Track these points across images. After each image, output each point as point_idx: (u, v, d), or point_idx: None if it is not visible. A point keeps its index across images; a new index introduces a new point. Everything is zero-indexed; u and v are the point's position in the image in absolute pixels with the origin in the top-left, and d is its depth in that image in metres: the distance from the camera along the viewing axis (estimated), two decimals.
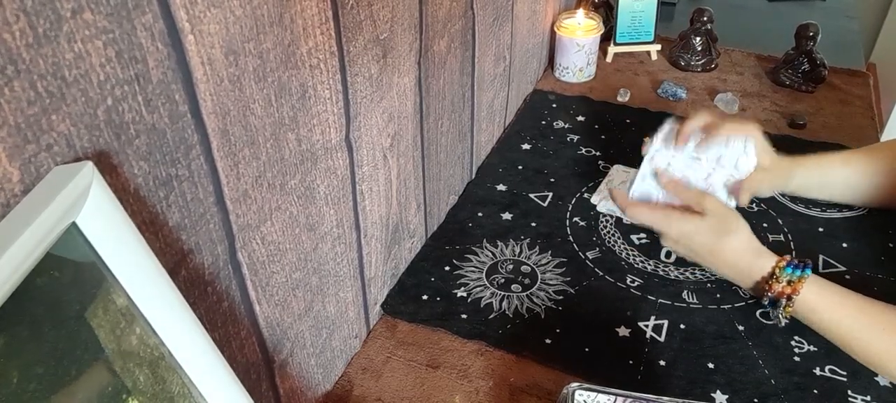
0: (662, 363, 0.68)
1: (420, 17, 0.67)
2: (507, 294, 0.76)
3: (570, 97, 1.12)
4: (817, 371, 0.67)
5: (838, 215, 0.86)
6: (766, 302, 0.68)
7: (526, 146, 1.00)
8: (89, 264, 0.33)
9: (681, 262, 0.80)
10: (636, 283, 0.77)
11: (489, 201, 0.90)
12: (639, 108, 1.09)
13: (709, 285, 0.77)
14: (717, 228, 0.68)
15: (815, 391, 0.65)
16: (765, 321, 0.72)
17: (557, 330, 0.72)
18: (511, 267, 0.79)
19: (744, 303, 0.74)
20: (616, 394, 0.54)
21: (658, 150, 0.74)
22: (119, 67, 0.34)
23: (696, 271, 0.79)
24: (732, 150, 0.73)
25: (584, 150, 0.99)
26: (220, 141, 0.43)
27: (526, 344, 0.70)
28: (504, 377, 0.68)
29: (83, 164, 0.32)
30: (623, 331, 0.72)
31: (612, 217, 0.87)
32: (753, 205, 0.88)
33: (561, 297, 0.75)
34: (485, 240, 0.83)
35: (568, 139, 1.02)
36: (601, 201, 0.89)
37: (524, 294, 0.76)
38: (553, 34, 1.17)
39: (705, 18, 1.18)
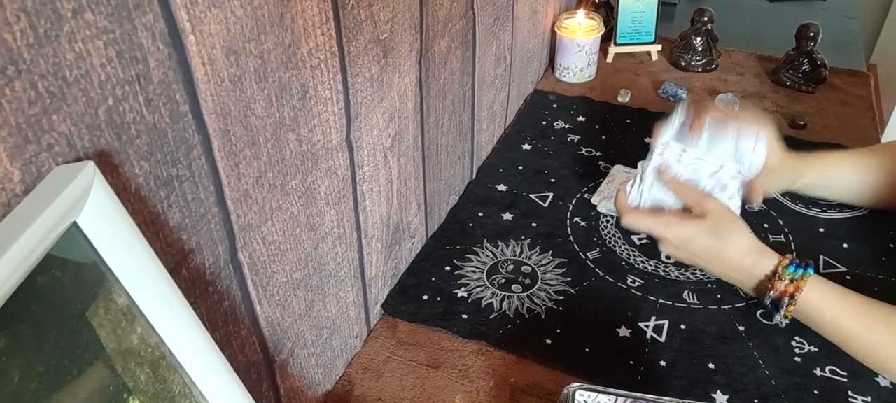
0: (663, 363, 0.68)
1: (421, 18, 0.67)
2: (507, 294, 0.76)
3: (570, 97, 1.12)
4: (818, 372, 0.67)
5: (839, 215, 0.86)
6: (767, 302, 0.68)
7: (526, 146, 1.01)
8: (90, 264, 0.33)
9: (681, 263, 0.80)
10: (637, 284, 0.77)
11: (490, 201, 0.90)
12: (639, 109, 1.09)
13: (709, 285, 0.77)
14: (718, 230, 0.67)
15: (816, 391, 0.65)
16: (765, 321, 0.72)
17: (558, 331, 0.72)
18: (512, 267, 0.79)
19: (744, 304, 0.74)
20: (616, 394, 0.54)
21: (667, 144, 0.72)
22: (120, 67, 0.34)
23: (696, 271, 0.79)
24: (743, 146, 0.71)
25: (584, 151, 1.00)
26: (220, 141, 0.43)
27: (526, 344, 0.70)
28: (505, 377, 0.68)
29: (84, 164, 0.32)
30: (624, 331, 0.72)
31: (612, 217, 0.87)
32: (749, 205, 0.88)
33: (561, 297, 0.75)
34: (485, 240, 0.83)
35: (568, 139, 1.02)
36: (602, 201, 0.89)
37: (525, 294, 0.76)
38: (554, 34, 1.17)
39: (706, 19, 1.18)
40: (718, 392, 0.65)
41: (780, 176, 0.76)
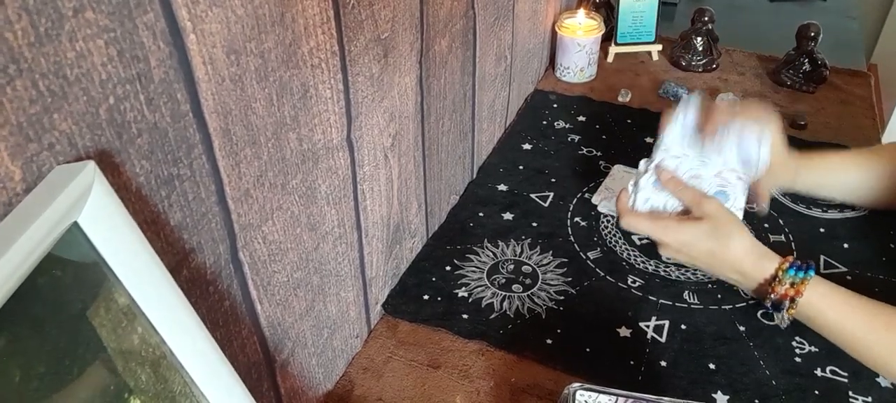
0: (663, 363, 0.68)
1: (421, 17, 0.67)
2: (508, 294, 0.76)
3: (571, 97, 1.12)
4: (818, 372, 0.67)
5: (839, 215, 0.86)
6: (768, 305, 0.68)
7: (527, 146, 1.00)
8: (91, 263, 0.33)
9: (681, 265, 0.79)
10: (637, 284, 0.77)
11: (490, 201, 0.90)
12: (640, 108, 1.09)
13: (710, 286, 0.77)
14: (717, 232, 0.67)
15: (816, 391, 0.65)
16: (766, 321, 0.72)
17: (558, 331, 0.72)
18: (512, 267, 0.79)
19: (745, 304, 0.74)
20: (617, 394, 0.54)
21: (669, 147, 0.72)
22: (121, 66, 0.34)
23: (696, 272, 0.79)
24: (746, 144, 0.70)
25: (585, 150, 0.99)
26: (221, 140, 0.43)
27: (527, 344, 0.70)
28: (505, 377, 0.68)
29: (85, 164, 0.32)
30: (624, 332, 0.72)
31: (613, 217, 0.87)
32: (753, 205, 0.88)
33: (562, 297, 0.75)
34: (486, 240, 0.83)
35: (569, 139, 1.02)
36: (602, 201, 0.89)
37: (525, 294, 0.76)
38: (554, 34, 1.17)
39: (706, 18, 1.18)
40: (719, 392, 0.65)
41: (780, 174, 0.76)
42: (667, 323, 0.72)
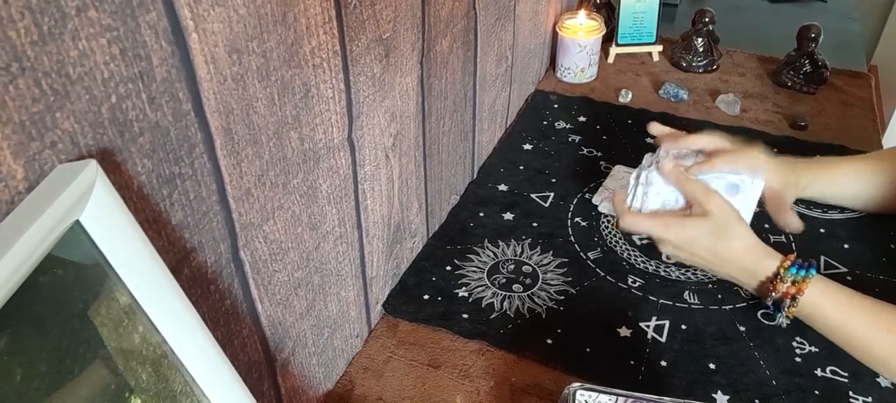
0: (664, 363, 0.68)
1: (422, 17, 0.67)
2: (508, 294, 0.76)
3: (571, 98, 1.12)
4: (819, 372, 0.67)
5: (839, 216, 0.86)
6: (769, 303, 0.68)
7: (527, 146, 1.00)
8: (92, 262, 0.33)
9: (682, 264, 0.80)
10: (637, 284, 0.77)
11: (491, 201, 0.90)
12: (640, 109, 1.09)
13: (710, 286, 0.77)
14: (719, 230, 0.67)
15: (817, 392, 0.65)
16: (766, 321, 0.72)
17: (559, 330, 0.72)
18: (512, 267, 0.79)
19: (745, 304, 0.74)
20: (617, 394, 0.54)
21: (650, 171, 0.71)
22: (123, 65, 0.34)
23: (696, 272, 0.79)
24: (740, 181, 0.71)
25: (585, 151, 0.99)
26: (223, 139, 0.43)
27: (527, 344, 0.70)
28: (505, 377, 0.68)
29: (87, 163, 0.32)
30: (624, 332, 0.72)
31: (613, 217, 0.87)
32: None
33: (562, 297, 0.75)
34: (486, 240, 0.83)
35: (569, 139, 1.02)
36: (603, 202, 0.89)
37: (525, 294, 0.76)
38: (555, 35, 1.17)
39: (707, 19, 1.18)
40: (719, 392, 0.65)
41: (785, 191, 0.76)
42: (667, 322, 0.72)
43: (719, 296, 0.75)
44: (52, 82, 0.31)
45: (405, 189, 0.74)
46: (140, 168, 0.37)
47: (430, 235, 0.84)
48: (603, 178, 0.93)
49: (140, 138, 0.37)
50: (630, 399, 0.54)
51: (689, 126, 1.05)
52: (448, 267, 0.79)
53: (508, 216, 0.87)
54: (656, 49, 1.23)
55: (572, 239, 0.84)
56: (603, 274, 0.79)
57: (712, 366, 0.68)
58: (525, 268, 0.79)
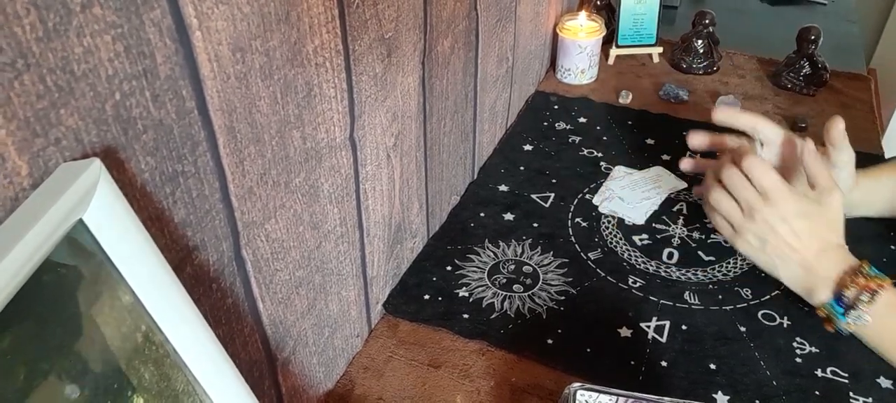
0: (664, 363, 0.68)
1: (424, 18, 0.67)
2: (508, 294, 0.76)
3: (571, 98, 1.13)
4: (819, 373, 0.67)
5: None
6: (836, 301, 0.65)
7: (528, 147, 1.01)
8: (96, 261, 0.33)
9: (683, 263, 0.80)
10: (638, 284, 0.77)
11: (491, 201, 0.90)
12: (640, 110, 1.09)
13: (710, 286, 0.77)
14: (830, 223, 0.65)
15: (817, 392, 0.65)
16: (766, 322, 0.72)
17: (559, 331, 0.72)
18: (513, 267, 0.79)
19: (745, 304, 0.75)
20: (617, 394, 0.54)
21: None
22: (127, 62, 0.34)
23: (697, 272, 0.79)
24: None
25: (585, 151, 1.00)
26: (226, 138, 0.43)
27: (527, 344, 0.70)
28: (505, 377, 0.68)
29: (90, 161, 0.32)
30: (625, 332, 0.72)
31: (613, 218, 0.87)
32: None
33: (563, 298, 0.75)
34: (487, 241, 0.83)
35: (570, 140, 1.02)
36: (603, 202, 0.89)
37: (526, 294, 0.76)
38: (555, 36, 1.18)
39: (707, 21, 1.18)
40: (719, 392, 0.65)
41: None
42: (667, 323, 0.72)
43: (720, 297, 0.75)
44: (56, 79, 0.31)
45: (406, 189, 0.74)
46: (143, 165, 0.37)
47: (431, 235, 0.84)
48: (603, 179, 0.93)
49: (143, 136, 0.37)
50: (630, 400, 0.54)
51: (690, 128, 1.05)
52: (448, 268, 0.79)
53: (509, 216, 0.87)
54: (656, 50, 1.23)
55: (573, 239, 0.84)
56: (603, 274, 0.79)
57: (713, 367, 0.68)
58: (526, 269, 0.79)
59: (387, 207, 0.70)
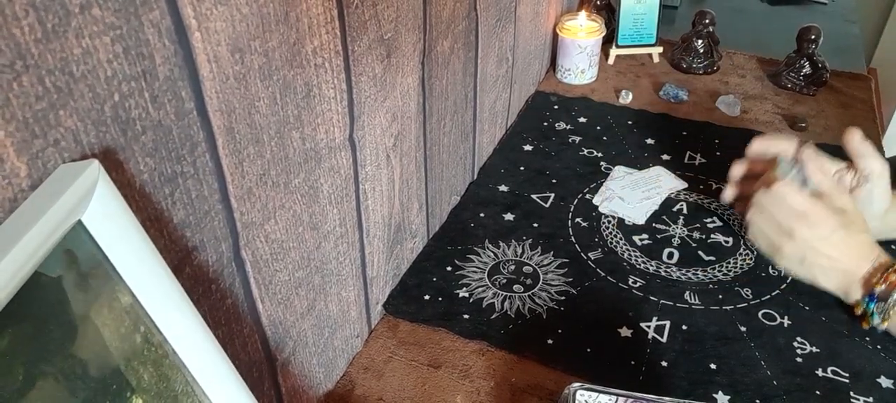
0: (664, 363, 0.68)
1: (424, 18, 0.67)
2: (508, 294, 0.76)
3: (571, 98, 1.13)
4: (820, 372, 0.67)
5: None
6: (867, 300, 0.68)
7: (528, 147, 1.01)
8: (94, 262, 0.33)
9: (684, 263, 0.80)
10: (638, 284, 0.77)
11: (491, 202, 0.90)
12: (640, 110, 1.09)
13: (711, 286, 0.77)
14: (852, 224, 0.69)
15: (817, 392, 0.65)
16: (767, 322, 0.72)
17: (559, 331, 0.72)
18: (513, 267, 0.79)
19: (746, 304, 0.74)
20: (617, 394, 0.54)
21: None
22: (126, 63, 0.34)
23: (697, 272, 0.79)
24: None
25: (585, 151, 1.00)
26: (225, 138, 0.43)
27: (527, 345, 0.70)
28: (505, 377, 0.68)
29: (89, 162, 0.32)
30: (625, 332, 0.72)
31: (614, 218, 0.87)
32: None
33: (563, 298, 0.75)
34: (487, 241, 0.83)
35: (570, 140, 1.02)
36: (603, 202, 0.89)
37: (526, 294, 0.76)
38: (555, 36, 1.18)
39: (707, 21, 1.18)
40: (720, 392, 0.65)
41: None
42: (668, 323, 0.72)
43: (720, 297, 0.75)
44: (55, 80, 0.31)
45: (406, 189, 0.74)
46: (142, 166, 0.37)
47: (431, 236, 0.84)
48: (603, 179, 0.93)
49: (142, 137, 0.37)
50: (630, 400, 0.54)
51: (690, 127, 1.05)
52: (448, 268, 0.79)
53: (509, 216, 0.87)
54: (656, 50, 1.23)
55: (573, 239, 0.84)
56: (603, 274, 0.79)
57: (713, 366, 0.68)
58: (526, 269, 0.79)
59: (386, 208, 0.70)
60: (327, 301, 0.62)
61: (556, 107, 1.11)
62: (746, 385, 0.66)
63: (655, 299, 0.75)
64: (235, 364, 0.41)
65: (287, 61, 0.47)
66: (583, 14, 1.16)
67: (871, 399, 0.64)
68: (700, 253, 0.82)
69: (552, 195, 0.91)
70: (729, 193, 0.83)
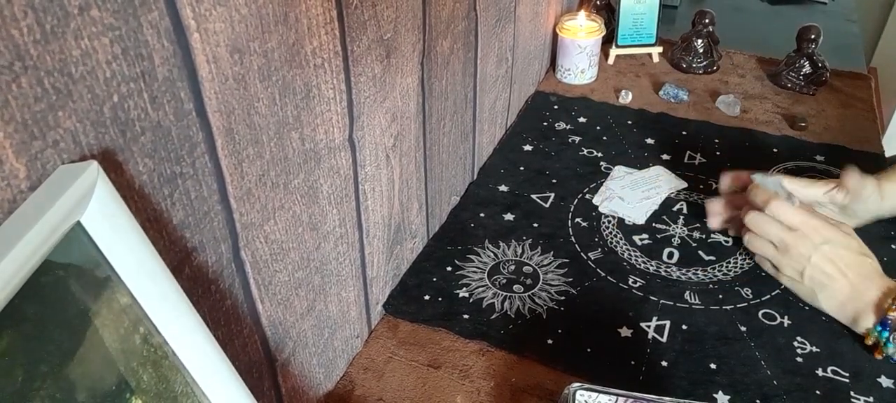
0: (664, 363, 0.68)
1: (423, 18, 0.67)
2: (508, 294, 0.76)
3: (571, 98, 1.13)
4: (820, 372, 0.67)
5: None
6: (878, 328, 0.66)
7: (528, 147, 1.01)
8: (94, 263, 0.33)
9: (684, 263, 0.80)
10: (638, 284, 0.77)
11: (491, 202, 0.90)
12: (640, 110, 1.09)
13: (711, 286, 0.77)
14: (861, 247, 0.70)
15: (817, 391, 0.65)
16: (767, 322, 0.72)
17: (559, 331, 0.72)
18: (513, 267, 0.79)
19: (746, 304, 0.74)
20: (617, 394, 0.54)
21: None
22: (125, 64, 0.34)
23: (697, 272, 0.79)
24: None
25: (585, 151, 1.00)
26: (224, 139, 0.43)
27: (527, 345, 0.70)
28: (506, 377, 0.68)
29: (88, 164, 0.32)
30: (625, 332, 0.72)
31: (614, 218, 0.87)
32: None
33: (563, 298, 0.75)
34: (487, 241, 0.83)
35: (570, 140, 1.02)
36: (603, 202, 0.89)
37: (526, 294, 0.76)
38: (555, 36, 1.17)
39: (707, 21, 1.18)
40: (720, 392, 0.65)
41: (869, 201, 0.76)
42: (668, 323, 0.72)
43: (720, 296, 0.75)
44: (54, 81, 0.31)
45: (406, 189, 0.74)
46: (141, 167, 0.37)
47: (431, 236, 0.84)
48: (603, 179, 0.93)
49: (141, 137, 0.37)
50: (630, 400, 0.54)
51: (690, 127, 1.05)
52: (448, 268, 0.79)
53: (509, 216, 0.87)
54: (656, 50, 1.23)
55: (573, 239, 0.84)
56: (603, 274, 0.79)
57: (713, 366, 0.68)
58: (526, 269, 0.79)
59: (386, 208, 0.70)
60: (327, 301, 0.62)
61: (555, 107, 1.11)
62: (746, 385, 0.66)
63: (655, 299, 0.75)
64: (235, 364, 0.41)
65: (286, 62, 0.47)
66: (582, 14, 1.16)
67: (871, 399, 0.64)
68: (700, 252, 0.82)
69: (552, 195, 0.91)
70: (715, 222, 0.83)
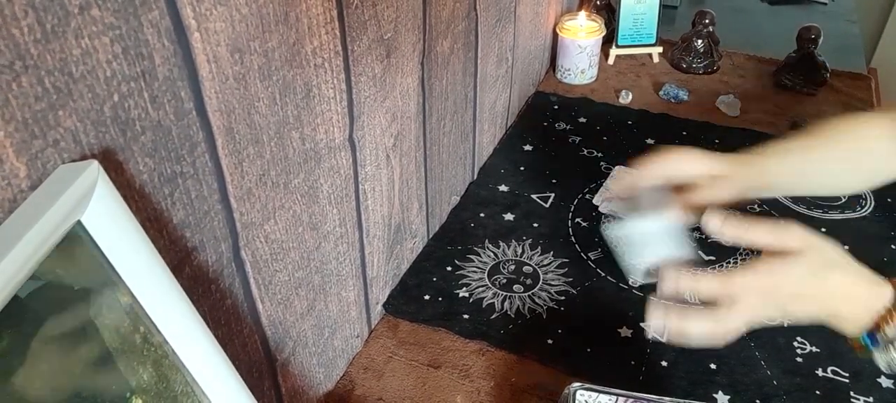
0: (664, 363, 0.68)
1: (424, 18, 0.67)
2: (508, 294, 0.76)
3: (571, 99, 1.13)
4: (819, 372, 0.67)
5: (840, 216, 0.86)
6: (869, 340, 0.52)
7: (528, 147, 1.01)
8: (94, 262, 0.33)
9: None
10: (638, 284, 0.77)
11: (491, 202, 0.90)
12: (640, 110, 1.09)
13: None
14: (823, 263, 0.53)
15: (817, 391, 0.65)
16: (766, 321, 0.72)
17: (559, 331, 0.72)
18: (513, 267, 0.79)
19: None
20: (617, 394, 0.54)
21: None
22: (126, 64, 0.34)
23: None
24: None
25: (585, 152, 1.00)
26: (224, 138, 0.43)
27: (528, 345, 0.70)
28: (506, 377, 0.68)
29: (89, 163, 0.32)
30: (625, 332, 0.72)
31: (614, 218, 0.87)
32: (755, 206, 0.88)
33: (563, 298, 0.75)
34: (487, 241, 0.83)
35: (570, 140, 1.02)
36: (603, 202, 0.89)
37: (526, 294, 0.76)
38: (555, 36, 1.17)
39: (707, 21, 1.18)
40: (720, 392, 0.65)
41: (741, 180, 0.63)
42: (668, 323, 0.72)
43: None
44: (54, 80, 0.31)
45: (406, 189, 0.74)
46: (142, 167, 0.37)
47: (431, 236, 0.84)
48: (603, 179, 0.93)
49: (142, 137, 0.37)
50: (630, 400, 0.54)
51: (690, 127, 1.05)
52: (448, 268, 0.79)
53: (509, 216, 0.87)
54: (656, 50, 1.23)
55: (573, 239, 0.84)
56: (603, 274, 0.79)
57: (713, 366, 0.68)
58: (526, 269, 0.79)
59: (386, 208, 0.70)
60: (327, 301, 0.62)
61: (556, 107, 1.11)
62: (746, 385, 0.66)
63: (655, 299, 0.75)
64: (235, 364, 0.41)
65: (287, 61, 0.47)
66: (583, 14, 1.16)
67: (871, 399, 0.64)
68: (700, 252, 0.82)
69: (552, 195, 0.91)
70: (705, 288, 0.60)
